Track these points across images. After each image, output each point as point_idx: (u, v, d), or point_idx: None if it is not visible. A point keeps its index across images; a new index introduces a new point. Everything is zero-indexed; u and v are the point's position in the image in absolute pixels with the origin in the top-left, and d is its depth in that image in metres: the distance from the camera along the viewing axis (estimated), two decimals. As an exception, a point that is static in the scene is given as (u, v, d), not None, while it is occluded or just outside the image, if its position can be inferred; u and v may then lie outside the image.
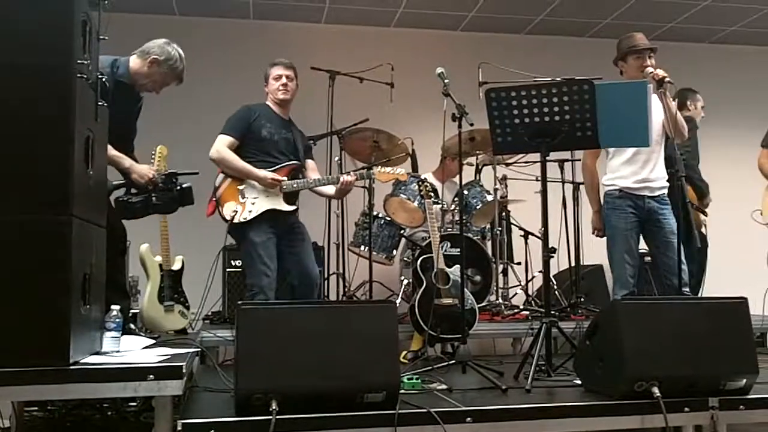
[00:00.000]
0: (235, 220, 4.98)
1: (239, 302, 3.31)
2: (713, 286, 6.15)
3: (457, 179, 6.80)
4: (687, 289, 5.02)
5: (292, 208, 5.12)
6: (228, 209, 5.03)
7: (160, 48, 4.49)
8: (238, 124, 5.13)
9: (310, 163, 5.43)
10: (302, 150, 5.34)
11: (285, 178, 5.10)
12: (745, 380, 3.61)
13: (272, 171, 5.09)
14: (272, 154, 5.15)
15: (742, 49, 8.99)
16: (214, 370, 4.00)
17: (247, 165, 5.06)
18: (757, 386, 3.69)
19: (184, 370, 3.20)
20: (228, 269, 5.95)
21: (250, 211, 5.01)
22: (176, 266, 5.19)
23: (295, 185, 5.11)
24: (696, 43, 8.78)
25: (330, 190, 5.31)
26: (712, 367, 3.59)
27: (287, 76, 5.25)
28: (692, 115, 6.25)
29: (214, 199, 5.12)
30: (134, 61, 4.49)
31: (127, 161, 4.46)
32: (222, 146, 5.07)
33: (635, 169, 4.99)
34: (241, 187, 5.07)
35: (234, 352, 3.24)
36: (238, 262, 5.85)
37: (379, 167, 5.39)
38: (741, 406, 3.56)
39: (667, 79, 4.73)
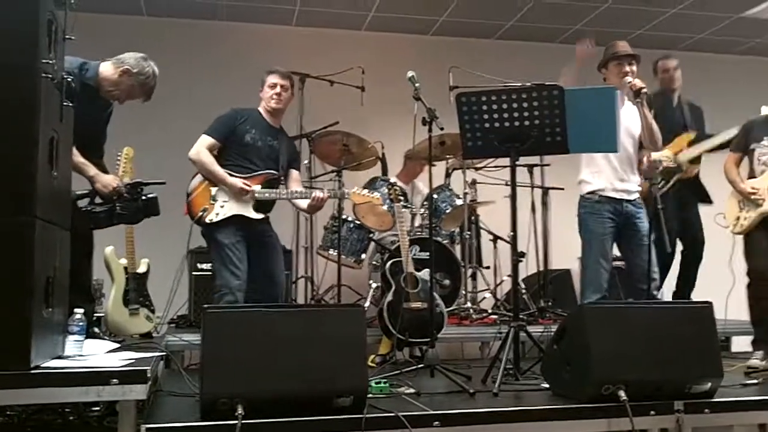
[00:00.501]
0: (202, 220, 4.97)
1: (205, 306, 3.28)
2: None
3: (419, 180, 6.86)
4: (657, 293, 5.05)
5: (259, 216, 5.08)
6: (197, 208, 5.02)
7: (136, 60, 4.45)
8: (221, 127, 5.13)
9: (294, 173, 5.40)
10: (286, 160, 5.31)
11: (258, 186, 5.06)
12: (710, 384, 3.65)
13: (248, 178, 5.07)
14: (252, 161, 5.13)
15: (711, 57, 9.08)
16: (180, 375, 3.97)
17: (220, 171, 5.03)
18: (722, 390, 3.75)
19: (148, 375, 3.17)
20: (194, 272, 5.89)
21: (217, 214, 5.00)
22: (141, 269, 5.13)
23: (266, 194, 5.09)
24: (664, 50, 8.82)
25: (303, 203, 5.29)
26: (678, 371, 3.62)
27: (282, 86, 5.22)
28: (662, 86, 6.30)
29: (186, 199, 5.10)
30: (105, 67, 4.44)
31: (91, 170, 4.39)
32: (202, 147, 5.06)
33: (615, 172, 5.00)
34: (213, 190, 5.05)
35: (200, 356, 3.20)
36: (204, 266, 5.80)
37: (355, 188, 5.36)
38: (706, 410, 3.61)
39: (644, 90, 4.76)
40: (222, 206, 5.02)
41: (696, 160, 6.07)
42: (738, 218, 5.26)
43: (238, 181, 5.00)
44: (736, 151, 5.40)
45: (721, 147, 6.09)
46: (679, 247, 6.29)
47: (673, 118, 6.09)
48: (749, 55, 9.13)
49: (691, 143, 6.08)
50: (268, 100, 5.21)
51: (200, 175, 5.11)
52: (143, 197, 4.58)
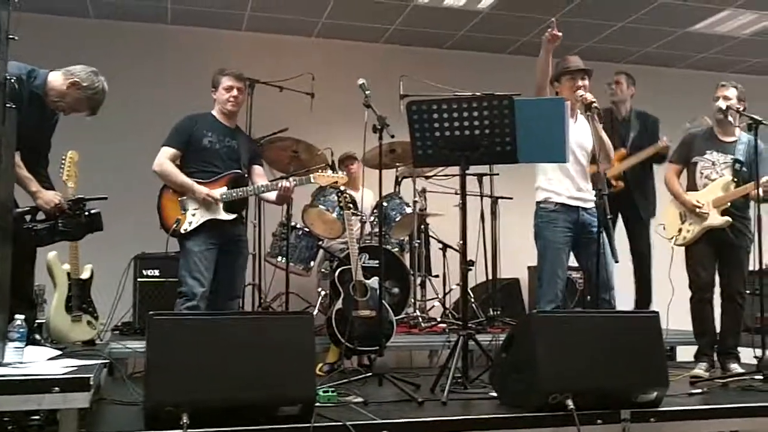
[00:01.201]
0: (177, 232, 4.93)
1: (150, 312, 3.23)
2: (619, 300, 6.26)
3: (368, 188, 6.83)
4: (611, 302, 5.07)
5: (231, 216, 5.03)
6: (170, 220, 4.97)
7: (87, 74, 4.36)
8: (178, 135, 5.08)
9: (257, 168, 5.36)
10: (247, 157, 5.27)
11: (224, 188, 5.00)
12: (656, 393, 3.69)
13: (213, 181, 5.02)
14: (214, 164, 5.08)
15: (658, 70, 9.23)
16: (123, 383, 3.91)
17: (186, 180, 4.99)
18: (668, 399, 3.79)
19: (91, 382, 3.10)
20: (139, 279, 5.80)
21: (191, 223, 4.95)
22: (85, 275, 5.05)
23: (234, 194, 5.03)
24: (611, 63, 8.94)
25: (272, 195, 5.25)
26: (625, 380, 3.66)
27: (238, 89, 5.19)
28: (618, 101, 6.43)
29: (158, 212, 5.04)
30: (54, 77, 4.34)
31: (34, 185, 4.26)
32: (164, 159, 5.01)
33: (571, 182, 5.01)
34: (181, 199, 5.01)
35: (144, 363, 3.15)
36: (149, 272, 5.74)
37: (319, 171, 5.33)
38: (652, 419, 3.65)
39: (594, 104, 4.78)
40: (193, 214, 4.97)
41: (619, 177, 6.20)
42: (680, 230, 5.31)
43: (203, 191, 4.95)
44: (677, 162, 5.46)
45: (648, 161, 6.25)
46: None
47: (615, 134, 6.15)
48: (695, 69, 9.29)
49: (621, 160, 6.19)
50: (225, 102, 5.16)
51: (166, 187, 5.06)
52: (86, 213, 4.47)
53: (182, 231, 4.93)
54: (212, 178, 5.04)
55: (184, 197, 5.00)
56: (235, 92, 5.16)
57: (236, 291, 5.23)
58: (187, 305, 4.80)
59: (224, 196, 5.00)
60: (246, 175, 5.23)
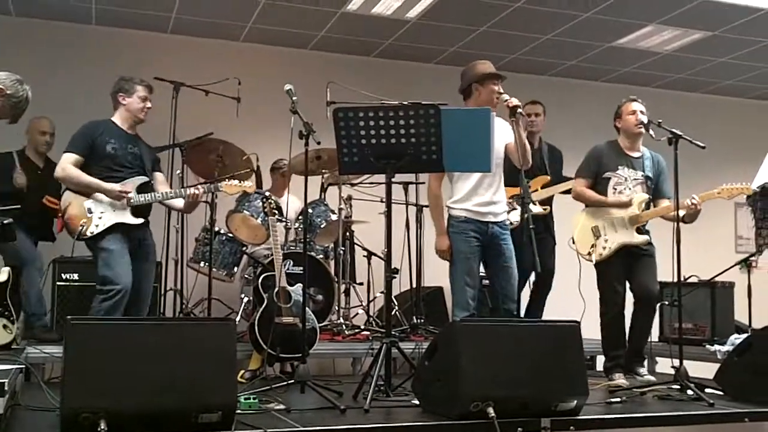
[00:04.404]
0: (83, 235, 4.85)
1: (68, 317, 3.17)
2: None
3: (293, 194, 6.80)
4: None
5: (139, 221, 5.03)
6: (76, 224, 4.89)
7: (12, 82, 4.29)
8: (81, 142, 5.02)
9: (158, 176, 5.38)
10: (150, 164, 5.27)
11: (133, 191, 4.96)
12: (575, 401, 3.75)
13: (119, 185, 4.97)
14: (118, 170, 5.05)
15: (580, 84, 9.42)
16: (40, 388, 3.84)
17: (93, 180, 4.95)
18: (587, 407, 3.86)
19: (6, 388, 3.05)
20: (58, 282, 5.70)
21: (97, 225, 4.90)
22: (2, 278, 4.94)
23: (142, 199, 5.02)
24: (536, 75, 9.12)
25: (179, 203, 5.24)
26: (545, 389, 3.71)
27: (150, 99, 5.21)
28: (535, 131, 6.53)
29: (61, 216, 4.98)
30: None
31: None
32: (67, 164, 4.96)
33: (480, 194, 5.06)
34: (87, 203, 4.93)
35: (62, 368, 3.08)
36: (69, 275, 5.64)
37: (227, 180, 5.34)
38: (571, 427, 3.71)
39: (519, 109, 4.81)
40: (100, 217, 4.92)
41: (544, 202, 6.35)
42: (595, 246, 5.34)
43: (115, 187, 4.91)
44: (587, 177, 5.46)
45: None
46: (532, 277, 6.41)
47: (533, 161, 6.25)
48: (618, 83, 9.47)
49: (544, 186, 6.32)
50: (138, 111, 5.17)
51: (69, 192, 5.00)
52: None
53: (89, 234, 4.87)
54: (118, 182, 5.00)
55: (89, 201, 4.93)
56: (149, 103, 5.19)
57: (144, 299, 5.13)
58: (114, 300, 4.72)
59: (133, 200, 4.99)
60: (151, 182, 5.21)
